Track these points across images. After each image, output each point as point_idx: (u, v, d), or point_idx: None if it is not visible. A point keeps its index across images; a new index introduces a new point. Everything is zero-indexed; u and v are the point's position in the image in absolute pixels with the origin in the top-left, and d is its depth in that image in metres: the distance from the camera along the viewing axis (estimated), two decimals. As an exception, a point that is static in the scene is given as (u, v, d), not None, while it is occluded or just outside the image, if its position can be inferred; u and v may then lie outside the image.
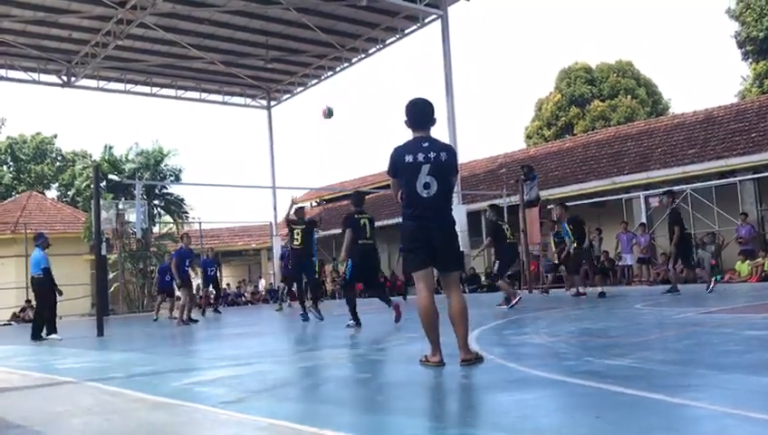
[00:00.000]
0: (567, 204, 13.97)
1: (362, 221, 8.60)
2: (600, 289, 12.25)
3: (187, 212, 29.90)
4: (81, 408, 4.11)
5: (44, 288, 10.84)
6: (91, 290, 20.01)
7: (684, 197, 17.31)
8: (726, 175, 17.45)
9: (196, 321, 13.11)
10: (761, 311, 7.69)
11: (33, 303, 21.86)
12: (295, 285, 11.92)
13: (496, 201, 19.48)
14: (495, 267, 11.06)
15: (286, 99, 28.94)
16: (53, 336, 10.60)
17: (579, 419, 2.97)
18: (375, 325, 9.88)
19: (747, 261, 15.70)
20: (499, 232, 10.84)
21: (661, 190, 13.92)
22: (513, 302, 10.44)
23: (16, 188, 43.92)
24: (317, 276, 15.12)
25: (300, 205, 12.59)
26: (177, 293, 13.88)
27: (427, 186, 4.49)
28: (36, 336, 10.71)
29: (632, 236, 17.65)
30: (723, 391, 3.30)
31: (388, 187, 5.14)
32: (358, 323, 8.73)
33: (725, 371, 3.83)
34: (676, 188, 17.73)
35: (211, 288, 18.90)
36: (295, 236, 10.32)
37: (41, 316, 11.03)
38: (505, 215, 10.92)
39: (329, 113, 11.95)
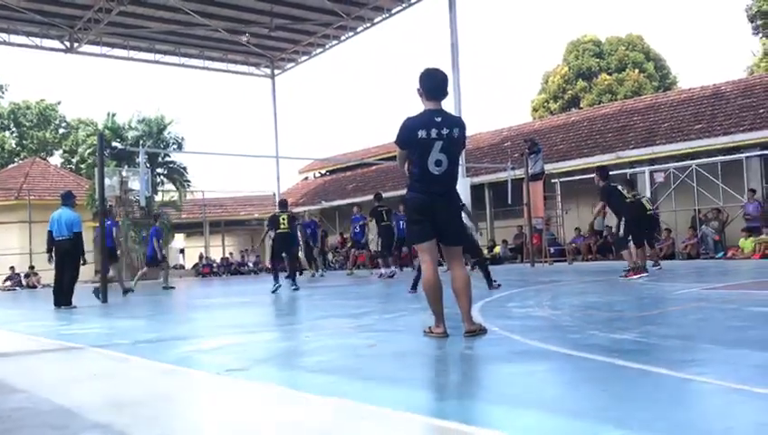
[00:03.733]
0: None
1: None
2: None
3: (189, 181, 29.85)
4: (87, 374, 4.13)
5: (77, 252, 10.30)
6: (94, 257, 19.99)
7: (689, 172, 17.24)
8: (732, 151, 17.34)
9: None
10: (765, 287, 7.69)
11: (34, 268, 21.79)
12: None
13: (503, 175, 19.48)
14: (379, 245, 15.30)
15: (290, 68, 28.73)
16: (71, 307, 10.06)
17: (584, 391, 2.97)
18: (382, 296, 9.91)
19: (751, 238, 15.66)
20: (379, 216, 15.02)
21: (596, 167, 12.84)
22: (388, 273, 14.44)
23: (19, 154, 43.86)
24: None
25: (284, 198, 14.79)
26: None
27: (438, 163, 4.46)
28: (68, 301, 10.10)
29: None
30: (728, 366, 3.30)
31: (392, 159, 5.11)
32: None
33: (730, 346, 3.83)
34: (681, 163, 17.70)
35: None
36: (281, 222, 12.25)
37: (72, 281, 10.34)
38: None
39: None
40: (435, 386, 3.35)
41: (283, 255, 12.51)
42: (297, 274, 13.06)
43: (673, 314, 5.56)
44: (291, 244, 12.65)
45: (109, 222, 12.80)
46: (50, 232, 10.39)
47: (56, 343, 5.79)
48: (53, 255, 10.43)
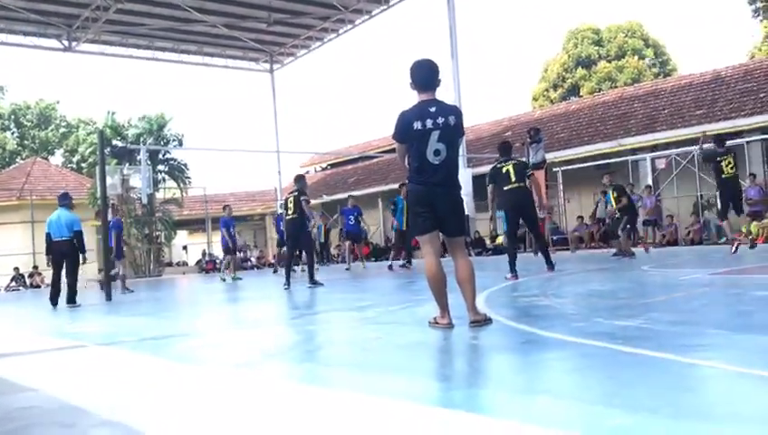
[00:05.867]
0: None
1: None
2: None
3: (190, 177, 29.88)
4: (94, 372, 4.14)
5: (77, 252, 10.33)
6: (97, 256, 20.04)
7: (691, 158, 17.19)
8: (733, 136, 17.27)
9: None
10: (769, 272, 7.68)
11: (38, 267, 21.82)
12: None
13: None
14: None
15: (289, 62, 28.66)
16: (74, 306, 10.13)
17: (591, 379, 2.97)
18: (385, 288, 9.90)
19: (754, 222, 15.61)
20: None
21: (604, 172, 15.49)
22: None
23: (20, 154, 43.92)
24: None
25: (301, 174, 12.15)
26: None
27: (437, 153, 4.44)
28: (72, 300, 10.15)
29: (638, 198, 17.58)
30: (735, 350, 3.29)
31: (393, 151, 5.10)
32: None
33: (737, 331, 3.82)
34: (682, 149, 17.66)
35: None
36: (289, 206, 10.16)
37: (75, 280, 10.45)
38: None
39: None
40: (442, 377, 3.35)
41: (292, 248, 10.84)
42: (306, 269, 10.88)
43: (678, 300, 5.55)
44: (299, 233, 10.30)
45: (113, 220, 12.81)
46: (48, 235, 10.41)
47: (62, 342, 5.80)
48: (53, 256, 10.46)
